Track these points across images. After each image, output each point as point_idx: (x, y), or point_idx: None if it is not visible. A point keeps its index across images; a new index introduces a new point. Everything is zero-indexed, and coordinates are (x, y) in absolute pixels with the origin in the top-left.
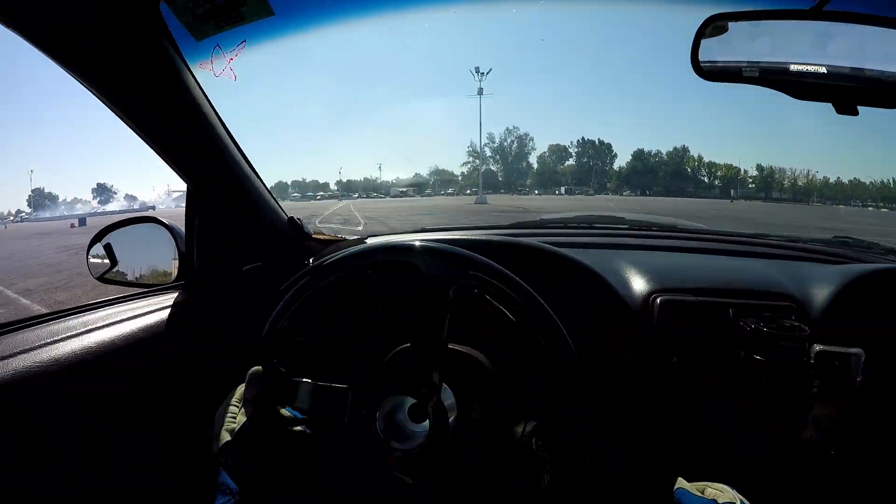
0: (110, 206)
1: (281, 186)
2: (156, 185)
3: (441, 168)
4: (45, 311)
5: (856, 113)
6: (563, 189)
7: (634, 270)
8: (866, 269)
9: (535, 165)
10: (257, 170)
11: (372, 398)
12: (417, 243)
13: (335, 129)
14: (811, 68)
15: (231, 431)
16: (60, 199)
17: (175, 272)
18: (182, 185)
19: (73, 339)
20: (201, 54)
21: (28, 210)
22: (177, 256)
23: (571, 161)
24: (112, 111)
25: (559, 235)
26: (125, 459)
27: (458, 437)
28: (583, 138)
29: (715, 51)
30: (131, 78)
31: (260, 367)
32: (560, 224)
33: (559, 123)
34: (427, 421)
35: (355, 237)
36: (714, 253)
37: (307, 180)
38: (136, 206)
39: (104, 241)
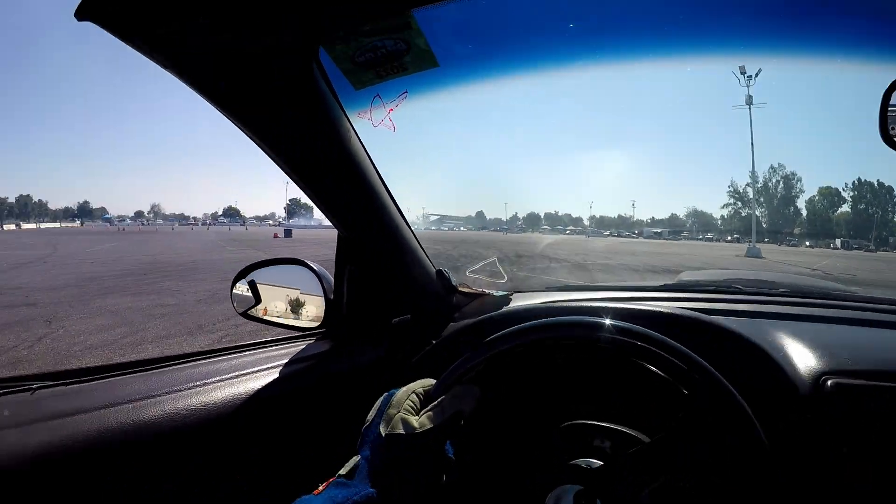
0: None
1: (532, 217)
2: (411, 206)
3: (699, 210)
4: None
5: None
6: (838, 242)
7: (798, 345)
8: None
9: (804, 211)
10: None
11: (542, 479)
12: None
13: (586, 162)
14: None
15: (407, 424)
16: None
17: (319, 318)
18: (438, 210)
19: (224, 384)
20: (360, 103)
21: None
22: (323, 302)
23: (846, 207)
24: (270, 157)
25: (707, 301)
26: None
27: None
28: (859, 179)
29: None
30: (291, 125)
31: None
32: (709, 287)
33: (829, 159)
34: None
35: (501, 293)
36: (883, 326)
37: (559, 213)
38: None
39: (248, 277)
